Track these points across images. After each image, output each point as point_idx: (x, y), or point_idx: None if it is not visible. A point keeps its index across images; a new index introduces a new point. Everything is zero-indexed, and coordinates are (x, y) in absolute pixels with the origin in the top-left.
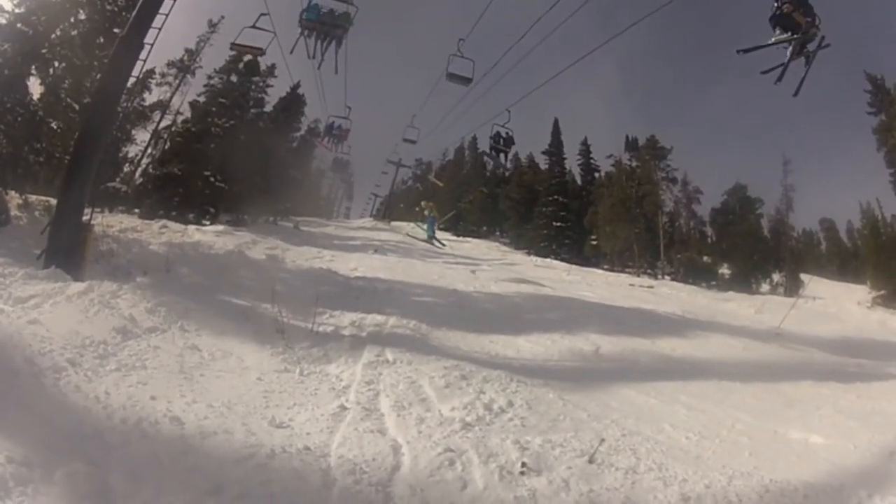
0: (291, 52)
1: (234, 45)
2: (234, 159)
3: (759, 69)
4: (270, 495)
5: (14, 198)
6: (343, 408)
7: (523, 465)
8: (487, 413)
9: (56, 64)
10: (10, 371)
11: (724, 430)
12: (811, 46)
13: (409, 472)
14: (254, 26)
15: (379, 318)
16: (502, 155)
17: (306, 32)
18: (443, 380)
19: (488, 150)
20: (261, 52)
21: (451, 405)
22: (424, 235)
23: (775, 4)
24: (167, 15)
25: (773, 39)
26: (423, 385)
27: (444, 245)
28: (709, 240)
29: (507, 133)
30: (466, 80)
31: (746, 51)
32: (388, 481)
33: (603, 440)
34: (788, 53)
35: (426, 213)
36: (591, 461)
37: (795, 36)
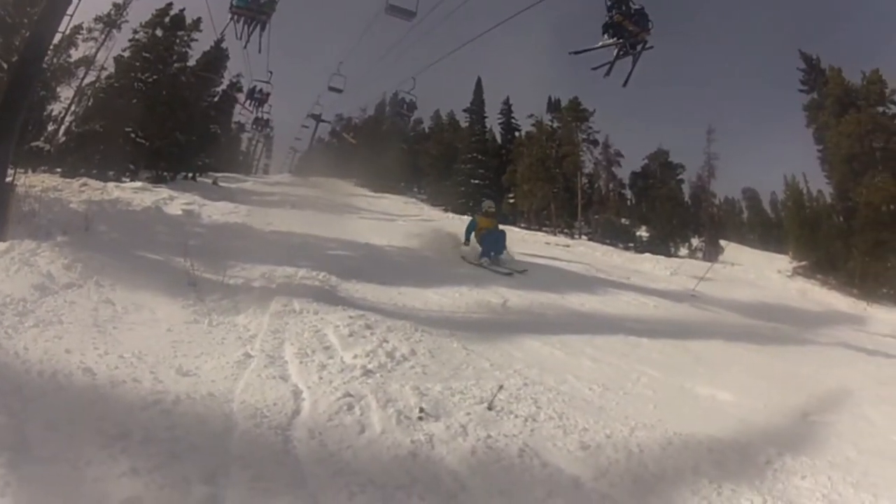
0: (219, 36)
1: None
2: (155, 115)
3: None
4: (174, 439)
5: None
6: (248, 356)
7: (421, 410)
8: (389, 361)
9: None
10: None
11: (628, 383)
12: (637, 48)
13: (309, 416)
14: None
15: (289, 269)
16: (406, 119)
17: (235, 17)
18: (347, 328)
19: (393, 116)
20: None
21: (354, 353)
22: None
23: (609, 14)
24: None
25: (599, 43)
26: (328, 333)
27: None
28: (628, 202)
29: (410, 99)
30: (410, 15)
31: (578, 52)
32: (288, 425)
33: (501, 387)
34: (614, 54)
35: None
36: (490, 408)
37: (620, 41)
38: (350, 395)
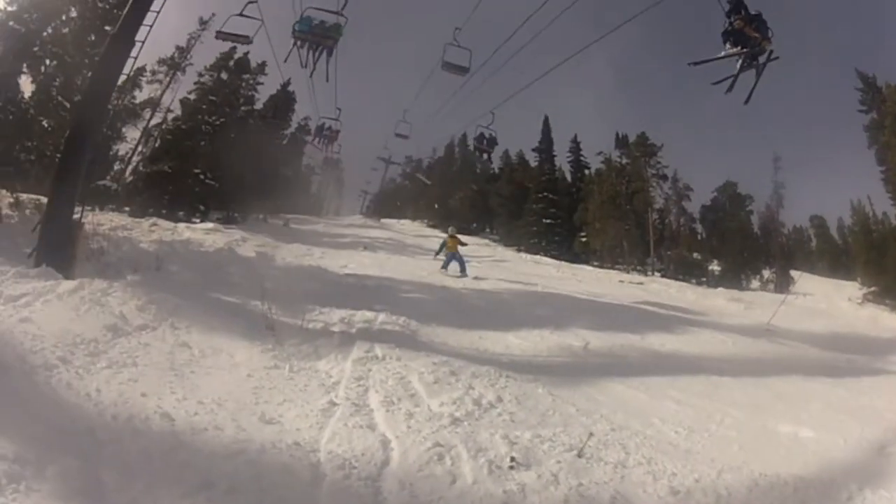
0: (285, 61)
1: (219, 34)
2: (224, 157)
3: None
4: (261, 490)
5: (5, 196)
6: (332, 403)
7: (512, 459)
8: (476, 408)
9: (47, 62)
10: (2, 368)
11: (713, 424)
12: (761, 59)
13: (399, 466)
14: (241, 14)
15: (368, 314)
16: (486, 155)
17: (298, 43)
18: (432, 375)
19: (472, 151)
20: (247, 40)
21: (441, 400)
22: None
23: (727, 20)
24: (158, 12)
25: (723, 53)
26: (413, 381)
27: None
28: (699, 237)
29: (490, 134)
30: (463, 70)
31: (698, 63)
32: (378, 476)
33: (592, 434)
34: (738, 66)
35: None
36: (580, 455)
37: (745, 50)
38: (440, 445)
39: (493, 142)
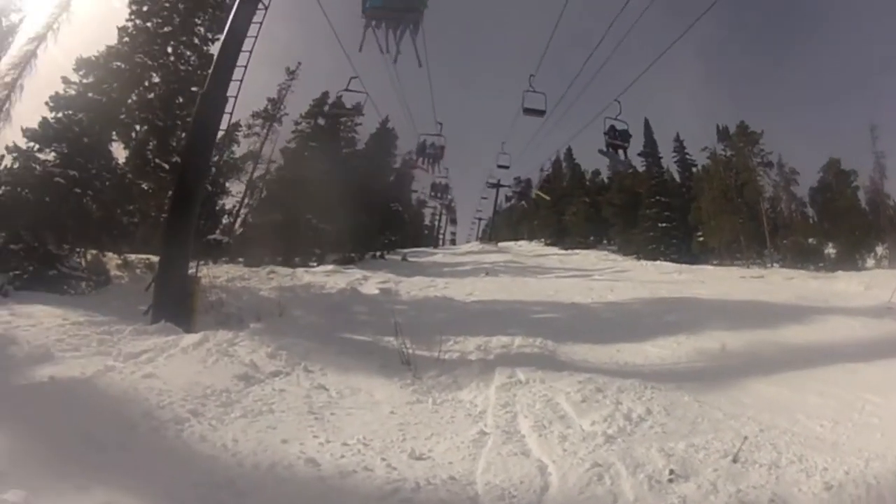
0: (360, 50)
1: (329, 113)
2: (333, 199)
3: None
4: None
5: (112, 258)
6: (482, 433)
7: (671, 472)
8: (628, 423)
9: (137, 127)
10: (128, 425)
11: (854, 413)
12: None
13: (559, 491)
14: (346, 89)
15: (504, 339)
16: (621, 152)
17: (373, 23)
18: (579, 394)
19: (605, 149)
20: (358, 112)
21: (591, 419)
22: None
23: None
24: (246, 67)
25: None
26: (560, 402)
27: None
28: (810, 220)
29: (622, 127)
30: (541, 113)
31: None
32: (539, 503)
33: (746, 438)
34: None
35: None
36: (735, 460)
37: None
38: (598, 465)
39: (626, 135)
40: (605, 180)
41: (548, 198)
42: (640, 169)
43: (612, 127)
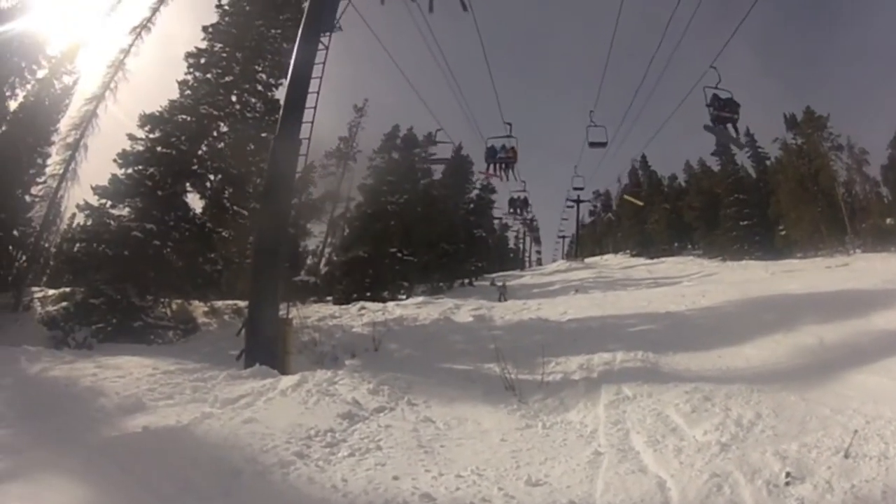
0: (382, 3)
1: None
2: (416, 231)
3: None
4: None
5: (198, 306)
6: (597, 453)
7: (787, 474)
8: (739, 429)
9: (211, 177)
10: (231, 472)
11: None
12: None
13: None
14: (436, 142)
15: (605, 355)
16: (730, 127)
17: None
18: (688, 405)
19: (711, 124)
20: (448, 160)
21: (703, 429)
22: None
23: None
24: (315, 108)
25: None
26: (670, 414)
27: None
28: (885, 200)
29: (726, 94)
30: (603, 145)
31: None
32: None
33: (856, 432)
34: None
35: None
36: (846, 456)
37: None
38: (716, 475)
39: (733, 104)
40: (682, 184)
41: (640, 202)
42: (715, 168)
43: (716, 96)
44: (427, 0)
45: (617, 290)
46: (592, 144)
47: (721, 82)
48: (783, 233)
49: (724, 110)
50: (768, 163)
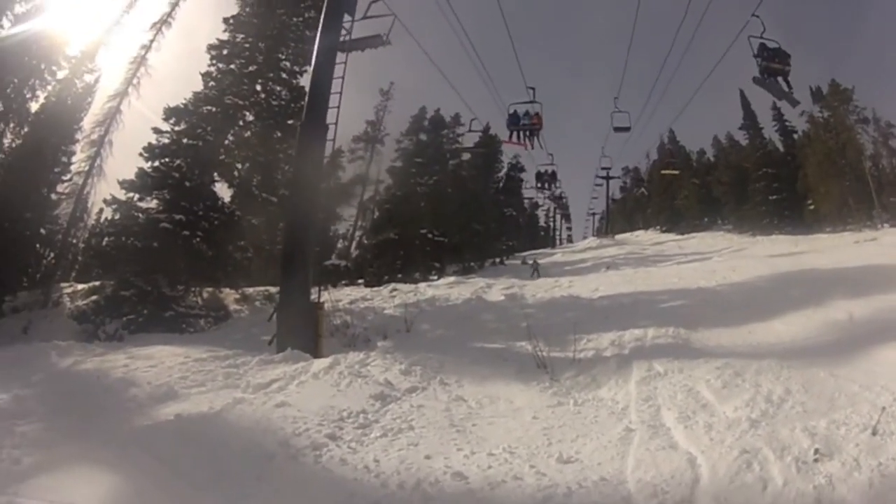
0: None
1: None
2: (446, 212)
3: None
4: None
5: (230, 294)
6: (628, 430)
7: (816, 451)
8: (769, 406)
9: (239, 166)
10: (265, 456)
11: None
12: None
13: (710, 482)
14: (470, 130)
15: (637, 332)
16: (781, 80)
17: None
18: (718, 381)
19: (761, 75)
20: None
21: (734, 405)
22: None
23: None
24: (340, 93)
25: None
26: (701, 390)
27: None
28: None
29: (774, 44)
30: (627, 129)
31: None
32: (691, 496)
33: (884, 409)
34: None
35: None
36: (874, 433)
37: None
38: (746, 452)
39: (783, 54)
40: (711, 159)
41: (677, 172)
42: (743, 142)
43: (763, 45)
44: None
45: (648, 267)
46: (617, 129)
47: (765, 32)
48: (811, 207)
49: (773, 61)
50: (796, 136)
